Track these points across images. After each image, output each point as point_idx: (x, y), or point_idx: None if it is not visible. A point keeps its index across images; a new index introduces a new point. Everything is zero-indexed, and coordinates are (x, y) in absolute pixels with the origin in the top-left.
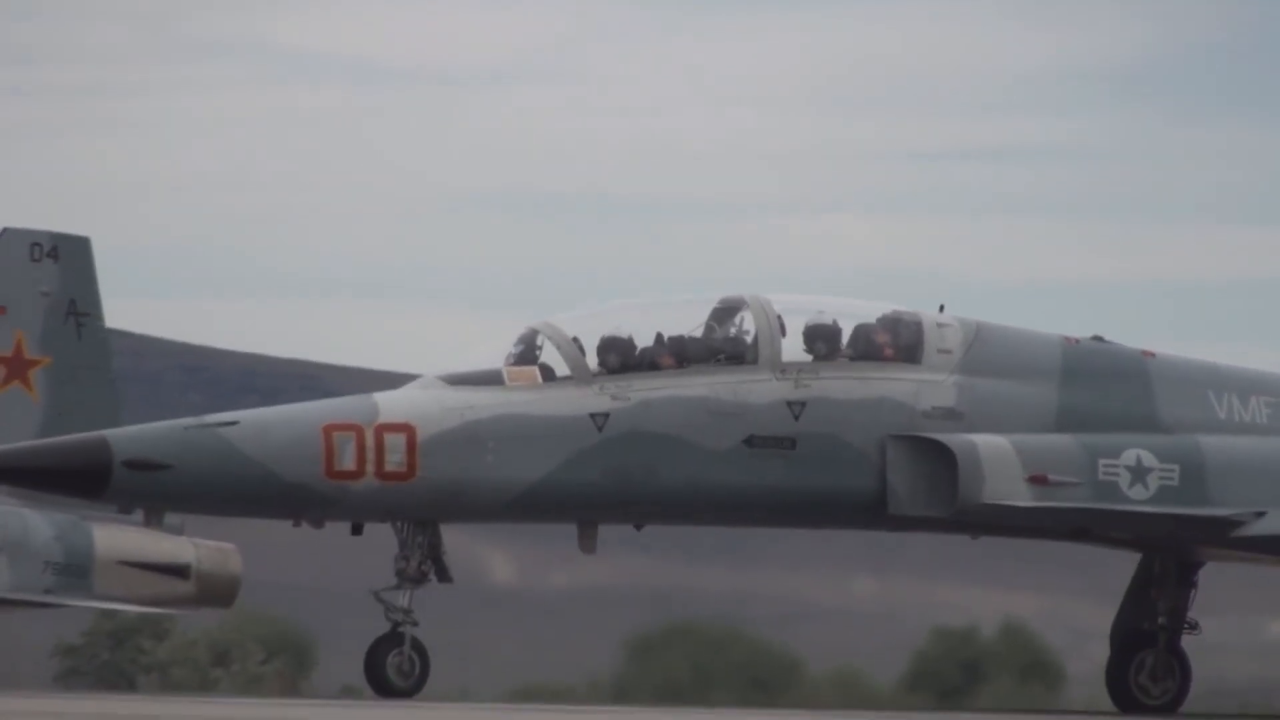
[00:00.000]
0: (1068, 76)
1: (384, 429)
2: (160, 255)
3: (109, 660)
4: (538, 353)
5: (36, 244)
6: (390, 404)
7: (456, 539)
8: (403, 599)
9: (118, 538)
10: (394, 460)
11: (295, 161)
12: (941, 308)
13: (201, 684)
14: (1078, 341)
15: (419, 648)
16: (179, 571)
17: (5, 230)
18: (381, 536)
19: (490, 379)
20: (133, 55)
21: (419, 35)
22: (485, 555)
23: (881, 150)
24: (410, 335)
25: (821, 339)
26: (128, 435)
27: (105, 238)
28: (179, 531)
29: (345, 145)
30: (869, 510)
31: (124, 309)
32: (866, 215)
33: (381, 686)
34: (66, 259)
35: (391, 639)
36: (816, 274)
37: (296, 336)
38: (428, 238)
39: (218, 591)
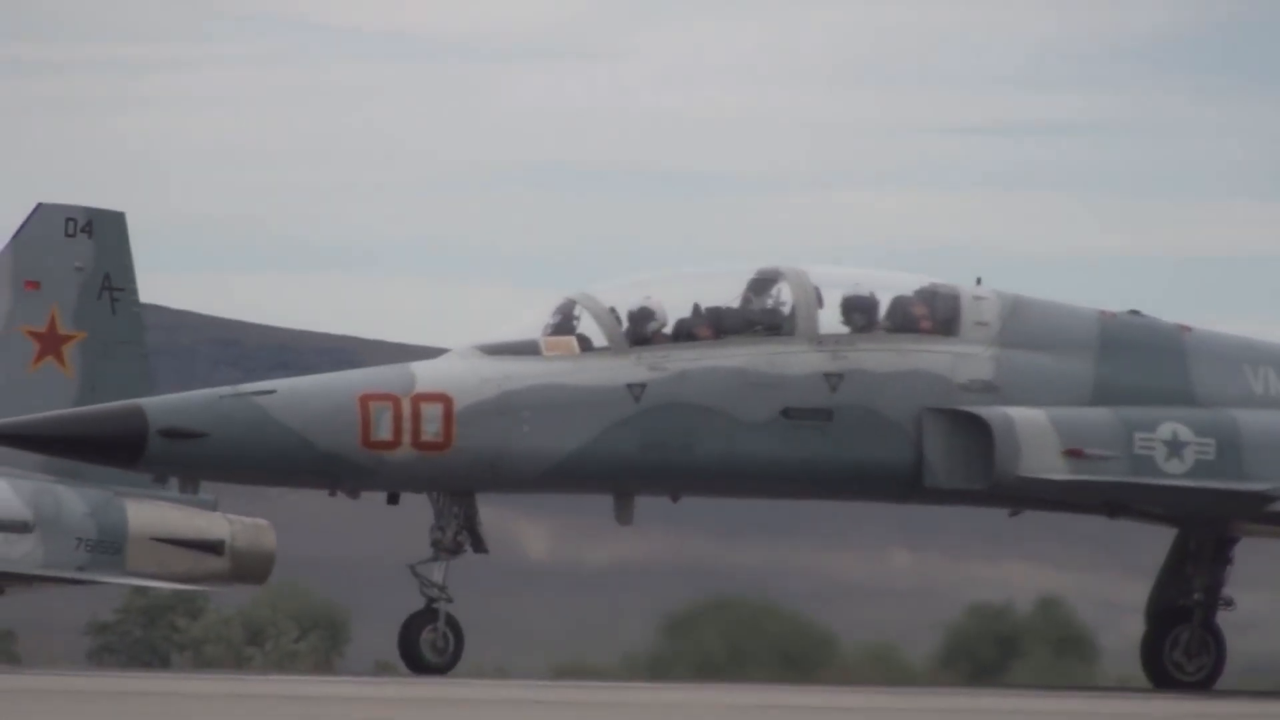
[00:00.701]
0: (1107, 52)
1: (420, 399)
2: (194, 230)
3: (142, 637)
4: (575, 323)
5: (71, 219)
6: (427, 374)
7: (492, 514)
8: (438, 573)
9: (151, 514)
10: (430, 430)
11: (330, 136)
12: (979, 281)
13: (235, 661)
14: (1114, 315)
15: (453, 624)
16: (213, 548)
17: (40, 206)
18: (418, 511)
19: (527, 349)
20: (168, 31)
21: (455, 9)
22: (520, 531)
23: (918, 125)
24: (445, 309)
25: (859, 311)
26: (163, 403)
27: (139, 213)
28: (213, 507)
29: (382, 120)
30: (905, 483)
31: (157, 284)
32: (902, 190)
33: (415, 663)
34: (101, 234)
35: (426, 615)
36: (852, 248)
37: (329, 311)
38: (463, 212)
39: (251, 568)
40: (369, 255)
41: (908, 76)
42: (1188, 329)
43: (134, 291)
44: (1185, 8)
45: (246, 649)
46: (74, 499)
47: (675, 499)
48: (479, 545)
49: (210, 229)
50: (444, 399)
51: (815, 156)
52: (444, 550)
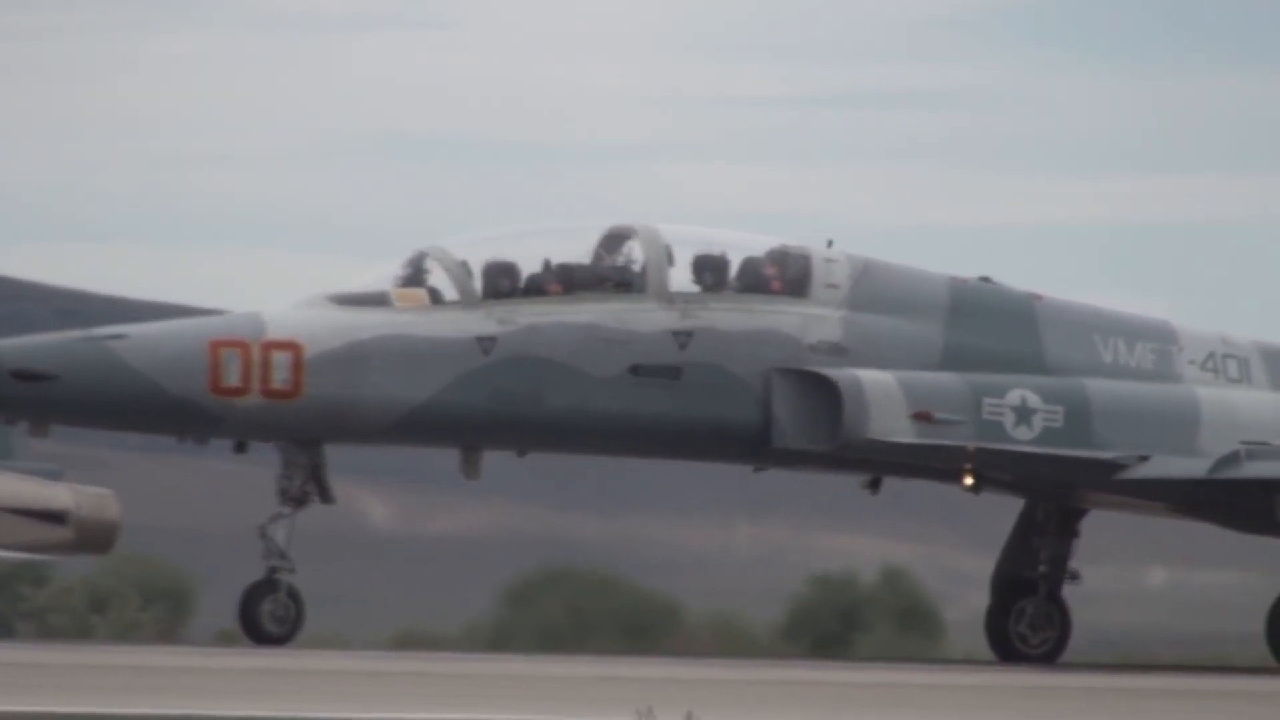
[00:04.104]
0: (954, 23)
1: (270, 346)
2: (36, 199)
3: None
4: (425, 275)
5: None
6: (277, 321)
7: (333, 484)
8: (283, 532)
9: None
10: (280, 378)
11: (174, 106)
12: (830, 243)
13: (80, 631)
14: (965, 281)
15: (294, 594)
16: (57, 518)
17: None
18: (265, 481)
19: (377, 300)
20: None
21: None
22: (362, 501)
23: (768, 95)
24: (292, 279)
25: (710, 270)
26: (15, 346)
27: None
28: (57, 477)
29: (226, 89)
30: (753, 443)
31: (1, 254)
32: (752, 160)
33: (256, 633)
34: None
35: (266, 585)
36: (702, 218)
37: (175, 281)
38: (308, 182)
39: (96, 537)
40: (213, 225)
41: (761, 47)
42: (1039, 297)
43: None
44: None
45: (91, 618)
46: None
47: (522, 454)
48: (326, 495)
49: (52, 198)
50: (294, 347)
51: (663, 127)
52: (290, 500)
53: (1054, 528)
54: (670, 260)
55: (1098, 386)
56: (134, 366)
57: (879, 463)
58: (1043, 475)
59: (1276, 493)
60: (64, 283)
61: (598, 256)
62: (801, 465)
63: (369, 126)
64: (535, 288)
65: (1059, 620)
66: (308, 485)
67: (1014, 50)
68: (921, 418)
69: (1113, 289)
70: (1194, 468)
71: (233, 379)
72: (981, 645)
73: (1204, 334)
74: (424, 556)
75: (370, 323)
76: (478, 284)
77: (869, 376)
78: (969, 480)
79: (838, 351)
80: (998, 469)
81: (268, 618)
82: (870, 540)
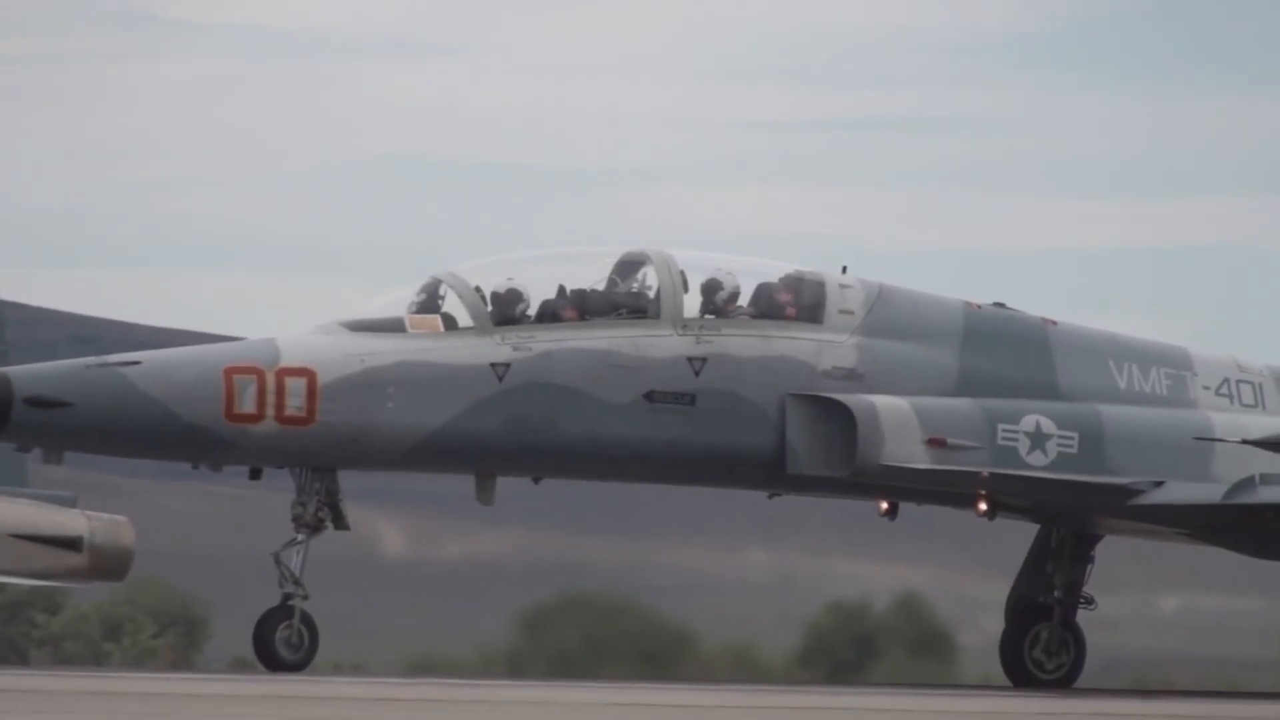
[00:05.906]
0: (972, 48)
1: (285, 373)
2: (52, 226)
3: (1, 634)
4: (440, 302)
5: None
6: (292, 348)
7: (350, 510)
8: (298, 559)
9: (9, 511)
10: (294, 404)
11: (189, 131)
12: (844, 269)
13: (94, 658)
14: (979, 307)
15: (308, 621)
16: (71, 544)
17: None
18: (279, 506)
19: (392, 326)
20: (22, 25)
21: (307, 3)
22: (376, 527)
23: (784, 119)
24: (308, 305)
25: (724, 296)
26: (29, 372)
27: None
28: (71, 504)
29: (241, 114)
30: (767, 469)
31: (15, 280)
32: (769, 184)
33: (270, 660)
34: None
35: (281, 612)
36: (718, 241)
37: (191, 308)
38: (324, 207)
39: (110, 564)
40: (228, 251)
41: (775, 71)
42: (1053, 322)
43: None
44: (1059, 2)
45: (105, 645)
46: None
47: (537, 480)
48: (340, 522)
49: (68, 224)
50: (308, 373)
51: (682, 151)
52: (304, 526)
53: (1068, 553)
54: (684, 286)
55: (1112, 412)
56: (148, 393)
57: (893, 488)
58: (1057, 501)
59: None
60: (78, 309)
61: (612, 282)
62: (816, 491)
63: (383, 151)
64: (549, 314)
65: (1073, 645)
66: (322, 511)
67: (1031, 74)
68: (936, 443)
69: (1130, 313)
70: (1208, 493)
71: (247, 405)
72: (996, 670)
73: (1218, 359)
74: (438, 582)
75: (384, 349)
76: (492, 310)
77: (883, 402)
78: (983, 506)
79: (852, 377)
80: (1012, 495)
81: (282, 644)
82: (884, 566)
